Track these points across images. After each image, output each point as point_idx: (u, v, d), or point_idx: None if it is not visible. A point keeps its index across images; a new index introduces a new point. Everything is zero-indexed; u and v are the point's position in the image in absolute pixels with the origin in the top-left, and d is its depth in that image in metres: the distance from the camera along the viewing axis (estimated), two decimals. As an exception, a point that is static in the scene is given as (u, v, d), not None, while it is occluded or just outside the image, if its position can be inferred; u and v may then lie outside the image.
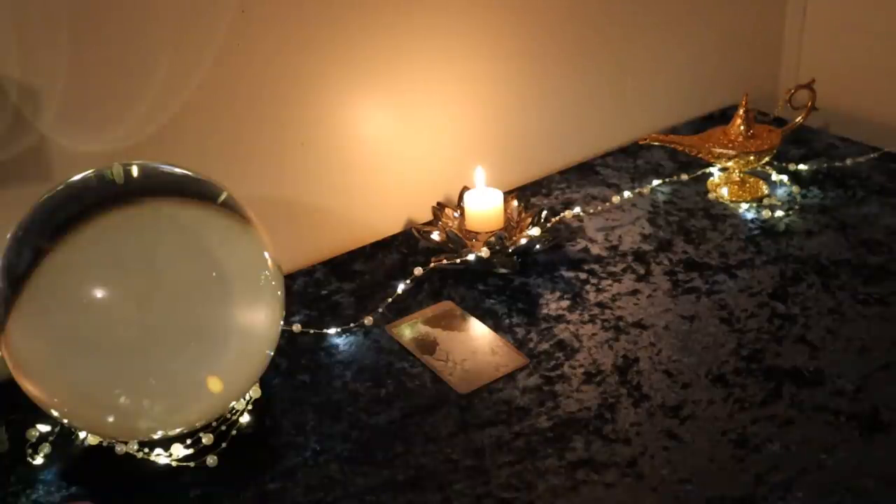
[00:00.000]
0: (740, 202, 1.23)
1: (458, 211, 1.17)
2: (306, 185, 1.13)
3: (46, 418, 0.86)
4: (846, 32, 1.48)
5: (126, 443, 0.83)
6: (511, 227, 1.14)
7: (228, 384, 0.80)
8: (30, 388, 0.77)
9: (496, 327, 1.01)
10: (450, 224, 1.15)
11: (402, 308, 1.05)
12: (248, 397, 0.89)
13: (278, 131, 1.08)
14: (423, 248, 1.15)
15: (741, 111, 1.22)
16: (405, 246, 1.18)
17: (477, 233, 1.12)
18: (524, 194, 1.26)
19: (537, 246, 1.11)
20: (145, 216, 0.77)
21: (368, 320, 1.03)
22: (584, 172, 1.34)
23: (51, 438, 0.87)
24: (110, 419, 0.78)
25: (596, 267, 1.11)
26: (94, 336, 0.74)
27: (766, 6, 1.52)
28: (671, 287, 1.07)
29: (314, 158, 1.12)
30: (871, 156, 1.32)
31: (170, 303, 0.76)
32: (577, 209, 1.22)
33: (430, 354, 0.98)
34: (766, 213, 1.20)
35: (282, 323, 0.86)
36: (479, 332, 1.01)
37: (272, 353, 0.86)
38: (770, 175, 1.28)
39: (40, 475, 0.84)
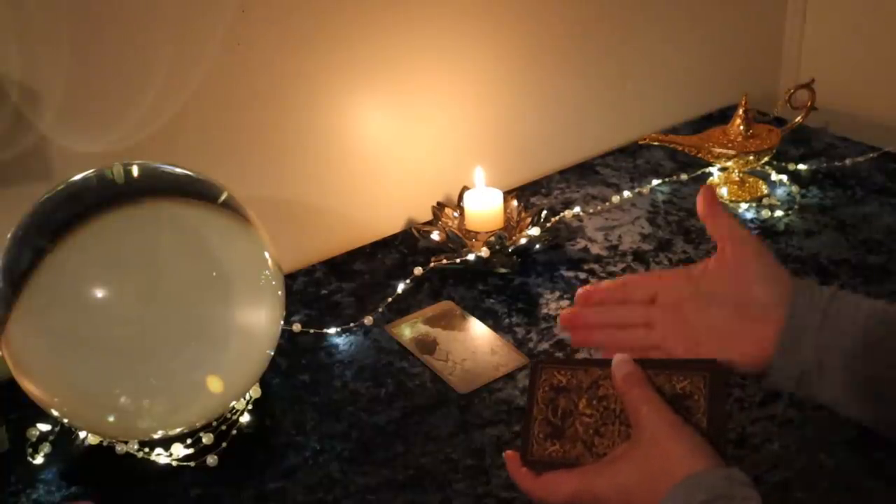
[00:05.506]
0: (740, 202, 1.23)
1: (458, 211, 1.17)
2: (306, 185, 1.13)
3: (46, 418, 0.86)
4: (846, 32, 1.48)
5: (126, 442, 0.83)
6: (511, 226, 1.14)
7: (228, 384, 0.80)
8: (30, 387, 0.77)
9: (496, 327, 1.01)
10: (450, 224, 1.15)
11: (402, 308, 1.05)
12: (248, 397, 0.89)
13: (278, 131, 1.09)
14: (423, 248, 1.15)
15: (741, 111, 1.22)
16: (405, 246, 1.18)
17: (477, 232, 1.12)
18: (524, 194, 1.26)
19: (537, 246, 1.11)
20: (145, 216, 0.77)
21: (368, 320, 1.03)
22: (583, 172, 1.34)
23: (51, 438, 0.87)
24: (110, 419, 0.78)
25: (596, 266, 1.11)
26: (95, 336, 0.74)
27: (766, 6, 1.52)
28: (671, 287, 1.07)
29: (314, 158, 1.12)
30: (871, 156, 1.32)
31: (170, 303, 0.76)
32: (577, 209, 1.22)
33: (430, 354, 0.98)
34: (765, 213, 1.20)
35: (282, 322, 0.86)
36: (478, 331, 1.01)
37: (272, 353, 0.86)
38: (770, 175, 1.28)
39: (40, 475, 0.85)
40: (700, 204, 0.79)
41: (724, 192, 1.25)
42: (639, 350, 0.75)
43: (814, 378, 0.71)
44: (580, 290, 0.82)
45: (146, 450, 0.84)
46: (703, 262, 0.77)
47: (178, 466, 0.84)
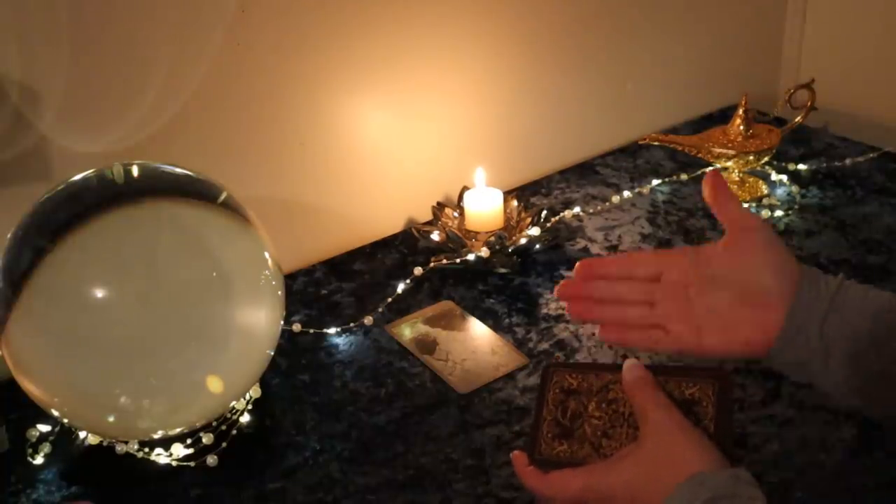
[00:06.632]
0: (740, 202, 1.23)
1: (458, 211, 1.17)
2: (306, 185, 1.13)
3: (46, 418, 0.86)
4: (846, 32, 1.48)
5: (126, 443, 0.83)
6: (511, 226, 1.14)
7: (228, 384, 0.80)
8: (30, 387, 0.77)
9: (496, 327, 1.01)
10: (450, 224, 1.15)
11: (402, 308, 1.05)
12: (248, 397, 0.89)
13: (278, 131, 1.09)
14: (423, 248, 1.15)
15: (741, 111, 1.22)
16: (405, 246, 1.18)
17: (477, 233, 1.12)
18: (524, 194, 1.26)
19: (537, 246, 1.11)
20: (145, 216, 0.77)
21: (368, 320, 1.03)
22: (583, 172, 1.34)
23: (51, 438, 0.87)
24: (110, 419, 0.78)
25: (596, 267, 1.11)
26: (94, 336, 0.74)
27: (766, 6, 1.52)
28: (671, 287, 1.06)
29: (314, 158, 1.12)
30: (871, 156, 1.32)
31: (170, 303, 0.76)
32: (577, 209, 1.22)
33: (430, 354, 0.98)
34: (765, 213, 1.20)
35: (282, 322, 0.86)
36: (478, 331, 1.01)
37: (272, 353, 0.86)
38: (770, 175, 1.28)
39: (40, 475, 0.85)
40: (706, 190, 0.76)
41: (724, 192, 1.25)
42: (638, 328, 0.74)
43: (817, 367, 0.70)
44: (580, 263, 0.78)
45: (146, 450, 0.84)
46: (711, 244, 0.75)
47: (178, 466, 0.84)
